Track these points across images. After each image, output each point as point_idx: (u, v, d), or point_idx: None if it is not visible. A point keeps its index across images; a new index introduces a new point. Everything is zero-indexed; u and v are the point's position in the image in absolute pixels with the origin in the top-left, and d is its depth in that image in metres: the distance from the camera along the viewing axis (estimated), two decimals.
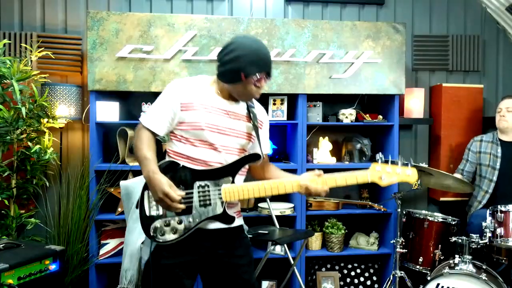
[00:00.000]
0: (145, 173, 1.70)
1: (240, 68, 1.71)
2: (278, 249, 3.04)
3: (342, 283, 3.46)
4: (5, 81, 2.80)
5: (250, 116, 1.86)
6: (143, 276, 1.80)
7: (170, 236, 1.72)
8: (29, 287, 2.22)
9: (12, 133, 2.86)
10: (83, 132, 3.40)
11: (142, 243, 1.92)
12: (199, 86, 1.80)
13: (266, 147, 1.97)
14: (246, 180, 1.85)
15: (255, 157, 1.81)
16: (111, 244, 3.14)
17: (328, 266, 3.48)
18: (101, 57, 3.00)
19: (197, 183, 1.73)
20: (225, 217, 1.76)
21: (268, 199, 3.14)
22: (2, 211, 2.97)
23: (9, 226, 2.92)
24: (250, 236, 2.80)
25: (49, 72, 3.21)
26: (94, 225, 3.08)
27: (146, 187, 1.76)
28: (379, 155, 1.83)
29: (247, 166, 1.88)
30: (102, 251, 3.11)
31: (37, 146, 2.94)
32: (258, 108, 1.94)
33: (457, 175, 3.23)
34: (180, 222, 1.73)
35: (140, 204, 1.77)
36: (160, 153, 1.84)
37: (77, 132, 3.40)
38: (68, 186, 3.27)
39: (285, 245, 2.83)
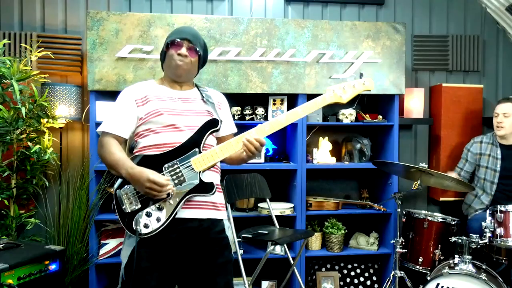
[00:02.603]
0: (124, 172, 1.72)
1: (164, 45, 1.87)
2: (278, 249, 3.04)
3: (342, 283, 3.46)
4: (5, 81, 2.80)
5: (203, 97, 1.92)
6: (124, 280, 1.76)
7: (154, 225, 1.72)
8: (29, 287, 2.23)
9: (12, 133, 2.86)
10: (83, 132, 3.40)
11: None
12: (148, 84, 1.91)
13: (229, 126, 2.02)
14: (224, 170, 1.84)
15: (214, 123, 1.82)
16: (111, 244, 3.14)
17: (328, 266, 3.48)
18: (101, 57, 3.00)
19: (166, 166, 1.74)
20: (203, 186, 1.76)
21: (268, 199, 3.14)
22: (2, 211, 2.97)
23: (9, 226, 2.92)
24: (250, 236, 2.80)
25: (49, 72, 3.21)
26: (94, 225, 3.08)
27: (118, 186, 1.77)
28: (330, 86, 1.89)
29: (211, 142, 1.87)
30: (102, 251, 3.11)
31: (37, 146, 2.94)
32: (211, 91, 2.02)
33: (454, 174, 3.25)
34: (160, 208, 1.73)
35: (116, 205, 1.77)
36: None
37: (77, 132, 3.40)
38: (68, 186, 3.27)
39: (285, 245, 2.83)
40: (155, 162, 1.75)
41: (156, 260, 1.75)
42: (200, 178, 1.76)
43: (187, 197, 1.75)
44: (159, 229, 1.72)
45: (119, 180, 1.79)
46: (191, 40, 1.85)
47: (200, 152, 1.77)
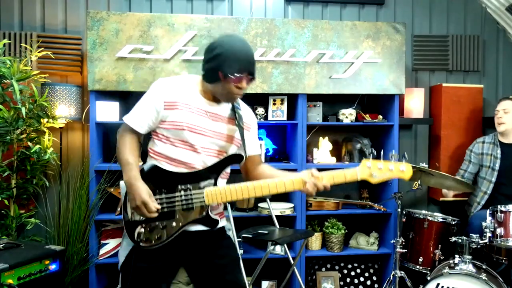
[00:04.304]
0: (126, 178, 1.70)
1: (219, 67, 1.68)
2: (278, 249, 3.04)
3: (342, 283, 3.45)
4: (5, 81, 2.80)
5: (236, 117, 1.82)
6: (122, 278, 1.79)
7: (154, 241, 1.72)
8: (29, 287, 2.23)
9: (12, 133, 2.86)
10: (83, 132, 3.40)
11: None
12: (184, 86, 1.78)
13: (254, 148, 1.93)
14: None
15: (237, 158, 1.79)
16: (111, 244, 3.14)
17: (328, 266, 3.48)
18: (101, 57, 3.00)
19: (179, 187, 1.72)
20: (208, 220, 1.74)
21: (268, 199, 3.14)
22: (2, 211, 2.97)
23: (9, 226, 2.92)
24: (250, 236, 2.80)
25: (49, 72, 3.21)
26: (94, 225, 3.08)
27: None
28: (370, 150, 1.78)
29: (228, 170, 1.85)
30: (102, 251, 3.11)
31: (37, 146, 2.94)
32: (244, 110, 1.91)
33: (457, 177, 3.23)
34: (163, 227, 1.72)
35: (124, 209, 1.77)
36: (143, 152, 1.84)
37: (77, 132, 3.40)
38: (68, 186, 3.27)
39: (285, 245, 2.82)
40: (167, 177, 1.74)
41: (154, 261, 1.75)
42: (207, 211, 1.73)
43: (190, 224, 1.74)
44: (157, 246, 1.72)
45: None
46: (252, 71, 1.73)
47: (215, 183, 1.74)
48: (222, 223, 1.88)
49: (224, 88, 1.71)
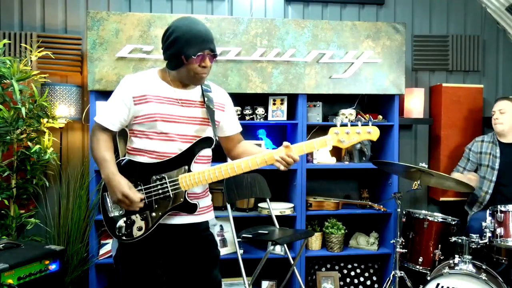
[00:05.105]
0: (105, 175, 1.72)
1: (179, 51, 1.69)
2: (278, 249, 3.03)
3: (342, 283, 3.45)
4: (5, 81, 2.80)
5: (204, 101, 1.83)
6: (114, 271, 1.83)
7: (135, 234, 1.75)
8: (29, 287, 2.23)
9: (12, 133, 2.86)
10: (83, 132, 3.40)
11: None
12: (150, 79, 1.79)
13: (232, 127, 1.95)
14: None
15: (206, 142, 1.79)
16: (111, 244, 3.14)
17: (328, 266, 3.48)
18: (101, 57, 3.00)
19: (154, 177, 1.74)
20: (186, 206, 1.76)
21: (268, 199, 3.14)
22: (2, 211, 2.97)
23: (9, 226, 2.92)
24: (250, 236, 2.80)
25: (49, 72, 3.21)
26: (94, 225, 3.08)
27: (104, 189, 1.79)
28: (336, 119, 1.80)
29: (206, 153, 1.85)
30: (102, 251, 3.11)
31: (37, 146, 2.94)
32: (215, 91, 1.91)
33: (457, 174, 3.24)
34: (143, 218, 1.75)
35: (102, 207, 1.80)
36: (116, 151, 1.85)
37: (77, 132, 3.40)
38: (68, 186, 3.27)
39: (285, 245, 2.82)
40: (142, 170, 1.76)
41: (142, 253, 1.77)
42: (185, 197, 1.75)
43: (170, 212, 1.76)
44: (140, 238, 1.75)
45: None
46: (213, 48, 1.73)
47: (189, 169, 1.75)
48: (208, 217, 1.89)
49: (189, 71, 1.72)
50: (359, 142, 1.76)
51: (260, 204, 3.32)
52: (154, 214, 1.75)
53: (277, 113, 3.35)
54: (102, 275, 3.22)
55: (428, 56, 3.73)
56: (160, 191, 1.75)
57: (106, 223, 1.79)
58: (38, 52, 3.05)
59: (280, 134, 3.66)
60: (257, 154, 1.76)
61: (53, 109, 3.08)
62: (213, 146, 1.83)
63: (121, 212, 1.76)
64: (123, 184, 1.69)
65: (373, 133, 1.73)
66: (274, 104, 3.38)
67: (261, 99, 3.42)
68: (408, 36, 3.64)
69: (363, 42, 3.25)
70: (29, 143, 2.97)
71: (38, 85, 3.02)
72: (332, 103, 3.58)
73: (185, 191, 1.75)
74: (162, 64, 3.04)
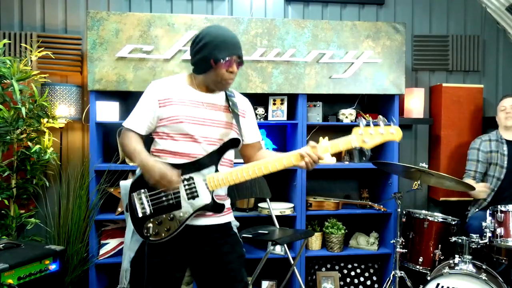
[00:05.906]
0: (138, 161, 1.74)
1: (209, 55, 1.74)
2: (278, 249, 3.04)
3: (342, 283, 3.46)
4: (5, 81, 2.80)
5: (229, 104, 1.87)
6: (131, 273, 1.81)
7: (163, 234, 1.75)
8: (29, 287, 2.22)
9: (12, 133, 2.86)
10: (83, 132, 3.40)
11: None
12: (175, 83, 1.85)
13: (253, 135, 1.97)
14: None
15: (234, 142, 1.82)
16: (111, 244, 3.14)
17: (328, 266, 3.48)
18: (101, 57, 3.00)
19: (182, 177, 1.75)
20: (215, 206, 1.78)
21: (268, 199, 3.14)
22: (2, 211, 2.97)
23: (9, 226, 2.92)
24: (250, 236, 2.80)
25: (49, 72, 3.21)
26: (94, 225, 3.08)
27: (132, 189, 1.80)
28: (360, 119, 1.81)
29: (230, 156, 1.87)
30: (102, 251, 3.11)
31: (37, 146, 2.94)
32: (238, 97, 1.96)
33: (469, 180, 3.16)
34: (171, 219, 1.76)
35: (130, 207, 1.80)
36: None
37: (77, 132, 3.40)
38: (68, 186, 3.27)
39: (285, 245, 2.82)
40: None
41: (165, 255, 1.78)
42: (212, 197, 1.77)
43: (197, 212, 1.76)
44: (168, 238, 1.76)
45: (132, 180, 1.81)
46: (240, 54, 1.79)
47: (216, 169, 1.77)
48: (228, 218, 1.90)
49: (216, 75, 1.77)
50: (382, 143, 1.76)
51: (260, 204, 3.32)
52: (181, 214, 1.75)
53: (277, 113, 3.35)
54: (102, 275, 3.22)
55: (428, 56, 3.73)
56: (188, 191, 1.75)
57: (134, 224, 1.79)
58: (38, 52, 3.05)
59: (280, 134, 3.66)
60: (284, 154, 1.76)
61: (53, 109, 3.08)
62: (239, 148, 1.87)
63: (149, 212, 1.76)
64: (159, 164, 1.69)
65: (396, 134, 1.73)
66: (274, 104, 3.38)
67: (261, 99, 3.42)
68: (408, 36, 3.64)
69: (363, 42, 3.25)
70: (29, 143, 2.97)
71: (38, 85, 3.02)
72: (332, 103, 3.58)
73: (212, 191, 1.77)
74: (161, 64, 3.05)
